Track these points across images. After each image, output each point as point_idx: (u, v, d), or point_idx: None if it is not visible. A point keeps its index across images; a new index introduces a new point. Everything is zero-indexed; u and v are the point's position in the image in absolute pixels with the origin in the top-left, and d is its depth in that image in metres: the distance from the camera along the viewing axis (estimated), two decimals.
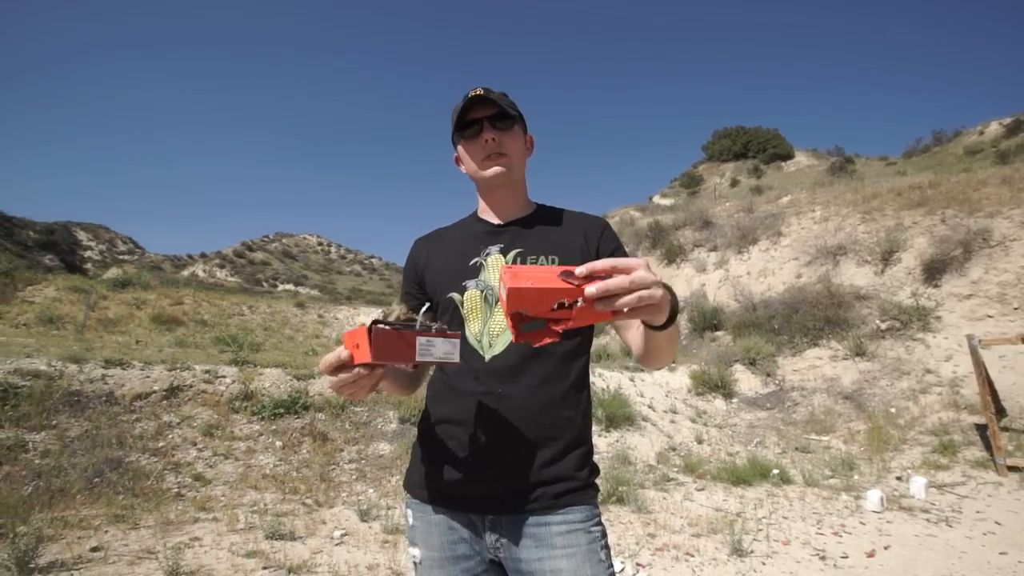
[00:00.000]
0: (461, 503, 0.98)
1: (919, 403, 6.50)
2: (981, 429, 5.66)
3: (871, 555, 3.29)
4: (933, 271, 7.85)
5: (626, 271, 0.68)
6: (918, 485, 4.58)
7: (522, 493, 0.95)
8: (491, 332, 1.01)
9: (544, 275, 0.69)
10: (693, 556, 3.22)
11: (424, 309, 0.85)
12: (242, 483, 4.01)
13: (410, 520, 1.05)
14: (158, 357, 5.65)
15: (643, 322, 0.87)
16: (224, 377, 5.26)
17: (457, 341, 0.85)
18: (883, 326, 7.72)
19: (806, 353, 8.10)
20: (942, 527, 3.82)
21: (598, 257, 1.07)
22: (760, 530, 3.66)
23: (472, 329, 1.03)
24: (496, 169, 1.06)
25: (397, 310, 0.86)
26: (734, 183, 29.96)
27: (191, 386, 5.03)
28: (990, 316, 7.07)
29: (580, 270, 0.68)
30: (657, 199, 30.33)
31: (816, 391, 7.39)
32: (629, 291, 0.67)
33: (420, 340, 0.81)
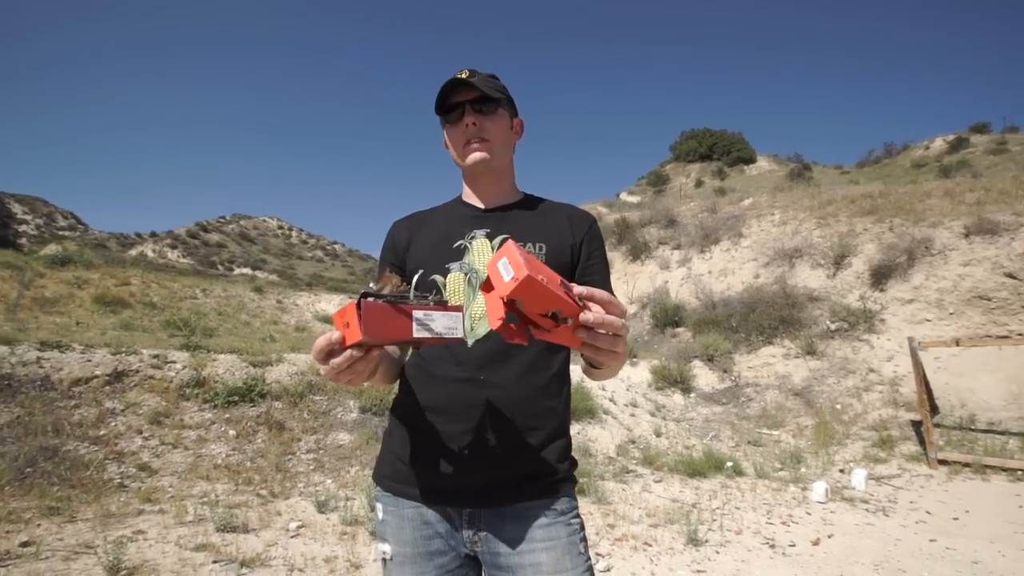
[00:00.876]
0: (438, 496, 0.95)
1: (862, 400, 6.87)
2: (916, 425, 6.03)
3: (816, 543, 3.45)
4: (880, 276, 8.29)
5: (619, 314, 0.67)
6: (859, 477, 4.84)
7: (503, 485, 0.92)
8: (474, 316, 0.97)
9: (552, 277, 0.65)
10: (651, 546, 3.29)
11: (416, 277, 0.77)
12: (192, 473, 3.83)
13: (380, 514, 1.00)
14: (101, 340, 5.32)
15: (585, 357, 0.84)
16: (174, 362, 5.01)
17: (459, 315, 0.77)
18: (832, 327, 8.10)
19: (761, 351, 8.41)
20: (880, 516, 4.06)
21: (580, 251, 1.05)
22: (714, 520, 3.79)
23: None
24: (477, 155, 1.03)
25: (390, 282, 0.75)
26: (699, 183, 30.76)
27: (137, 371, 4.76)
28: (928, 320, 7.53)
29: (579, 290, 0.66)
30: (624, 196, 30.77)
31: (769, 387, 7.70)
32: (615, 334, 0.67)
33: (417, 314, 0.72)
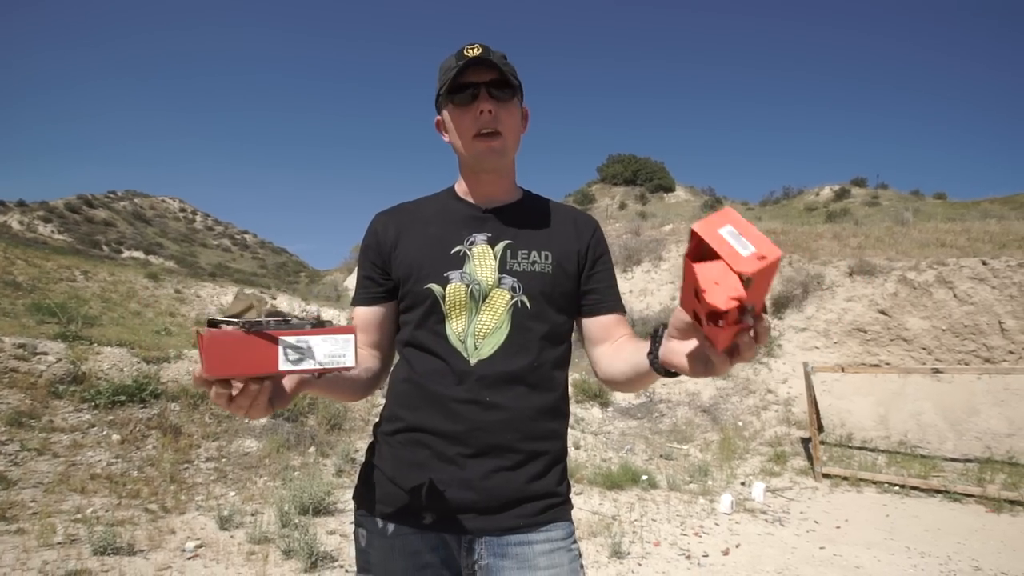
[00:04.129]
0: (435, 522, 0.85)
1: (761, 418, 7.50)
2: (805, 442, 6.67)
3: (726, 553, 3.66)
4: (779, 305, 9.14)
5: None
6: (758, 490, 5.25)
7: (505, 510, 0.85)
8: (476, 332, 0.88)
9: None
10: None
11: (270, 304, 0.62)
12: (62, 485, 3.29)
13: (362, 542, 0.89)
14: None
15: (656, 365, 0.73)
16: (45, 354, 4.32)
17: (350, 337, 0.62)
18: None
19: None
20: (776, 526, 4.40)
21: (586, 258, 0.99)
22: (635, 532, 3.90)
23: (454, 328, 0.89)
24: (488, 150, 0.91)
25: (252, 304, 0.61)
26: (623, 206, 32.35)
27: None
28: (817, 347, 8.41)
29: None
30: None
31: (680, 404, 8.17)
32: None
33: (286, 340, 0.58)
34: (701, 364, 0.63)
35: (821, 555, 3.75)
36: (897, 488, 5.50)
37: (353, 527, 0.94)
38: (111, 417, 4.09)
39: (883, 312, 8.21)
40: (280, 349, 0.58)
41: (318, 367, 0.60)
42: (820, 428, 6.78)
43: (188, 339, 6.62)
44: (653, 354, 0.73)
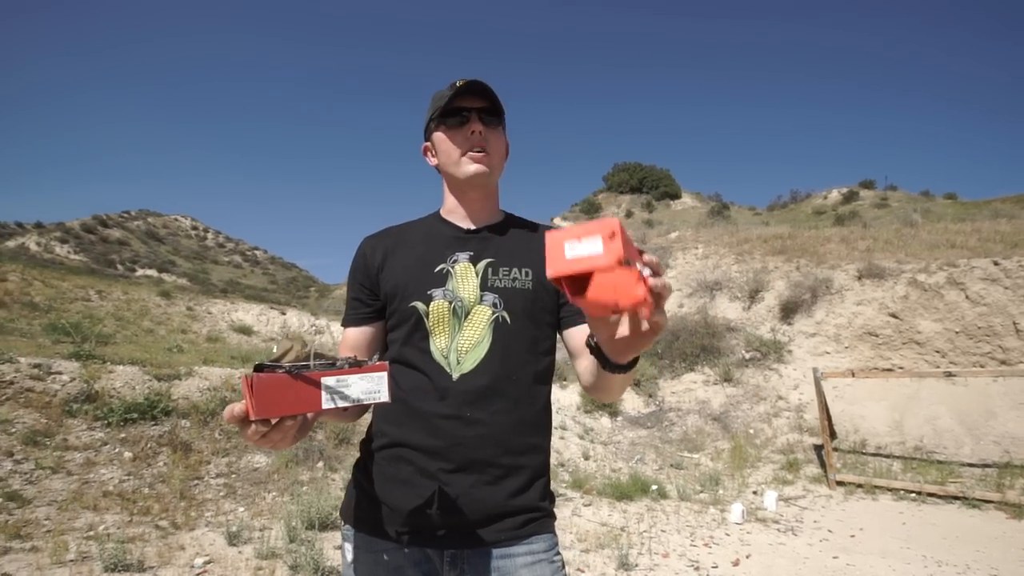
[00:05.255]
0: (416, 537, 0.87)
1: (772, 425, 7.40)
2: (818, 449, 6.57)
3: (736, 564, 3.62)
4: (788, 310, 9.06)
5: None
6: (770, 499, 5.17)
7: (487, 524, 0.87)
8: (459, 348, 0.91)
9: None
10: (584, 572, 3.29)
11: (314, 345, 0.69)
12: (75, 503, 3.34)
13: (348, 556, 0.92)
14: None
15: (601, 362, 0.77)
16: (59, 373, 4.41)
17: (384, 375, 0.68)
18: (747, 356, 8.72)
19: (684, 377, 8.86)
20: (789, 536, 4.34)
21: None
22: (643, 544, 3.86)
23: (438, 344, 0.92)
24: (478, 167, 0.97)
25: (294, 347, 0.67)
26: (629, 214, 32.35)
27: (12, 382, 4.14)
28: (828, 352, 8.31)
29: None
30: (558, 221, 31.72)
31: (690, 412, 8.09)
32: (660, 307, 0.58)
33: (328, 381, 0.64)
34: (627, 335, 0.64)
35: (835, 565, 3.69)
36: (913, 495, 5.39)
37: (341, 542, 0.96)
38: (123, 435, 4.15)
39: (894, 315, 8.11)
40: (323, 390, 0.64)
41: (355, 402, 0.66)
42: (833, 435, 6.68)
43: (199, 356, 6.71)
44: (591, 345, 0.76)
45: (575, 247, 0.56)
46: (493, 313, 0.93)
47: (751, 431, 7.37)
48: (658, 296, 0.57)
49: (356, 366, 0.67)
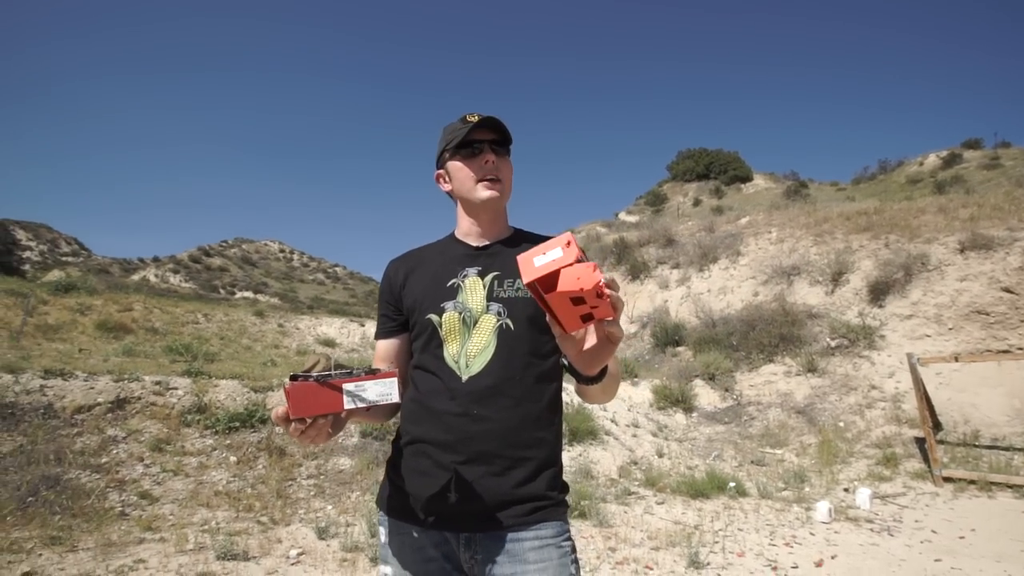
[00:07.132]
0: (435, 521, 1.00)
1: (865, 417, 6.84)
2: (920, 442, 5.99)
3: (819, 564, 3.42)
4: (878, 292, 8.32)
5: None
6: (863, 496, 4.81)
7: (496, 511, 0.98)
8: (468, 353, 1.04)
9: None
10: (652, 569, 3.27)
11: (335, 359, 0.87)
12: (192, 501, 3.83)
13: (383, 538, 1.06)
14: (104, 367, 5.36)
15: (575, 377, 0.96)
16: (176, 389, 5.04)
17: (394, 380, 0.83)
18: (832, 344, 8.11)
19: (762, 369, 8.40)
20: (884, 536, 4.02)
21: None
22: (716, 542, 3.76)
23: (450, 350, 1.05)
24: (491, 194, 1.09)
25: (320, 360, 0.85)
26: (696, 203, 31.02)
27: (139, 398, 4.79)
28: (928, 335, 7.54)
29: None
30: (623, 216, 31.05)
31: (771, 406, 7.67)
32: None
33: (348, 386, 0.80)
34: (592, 347, 0.85)
35: (936, 568, 3.39)
36: None
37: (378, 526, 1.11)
38: (229, 441, 4.69)
39: (1008, 290, 7.20)
40: (344, 394, 0.80)
41: (371, 403, 0.82)
42: (937, 426, 6.07)
43: (290, 369, 7.35)
44: (564, 364, 0.94)
45: (541, 258, 0.75)
46: (498, 321, 1.05)
47: (841, 424, 6.86)
48: (613, 308, 0.72)
49: (370, 374, 0.83)
